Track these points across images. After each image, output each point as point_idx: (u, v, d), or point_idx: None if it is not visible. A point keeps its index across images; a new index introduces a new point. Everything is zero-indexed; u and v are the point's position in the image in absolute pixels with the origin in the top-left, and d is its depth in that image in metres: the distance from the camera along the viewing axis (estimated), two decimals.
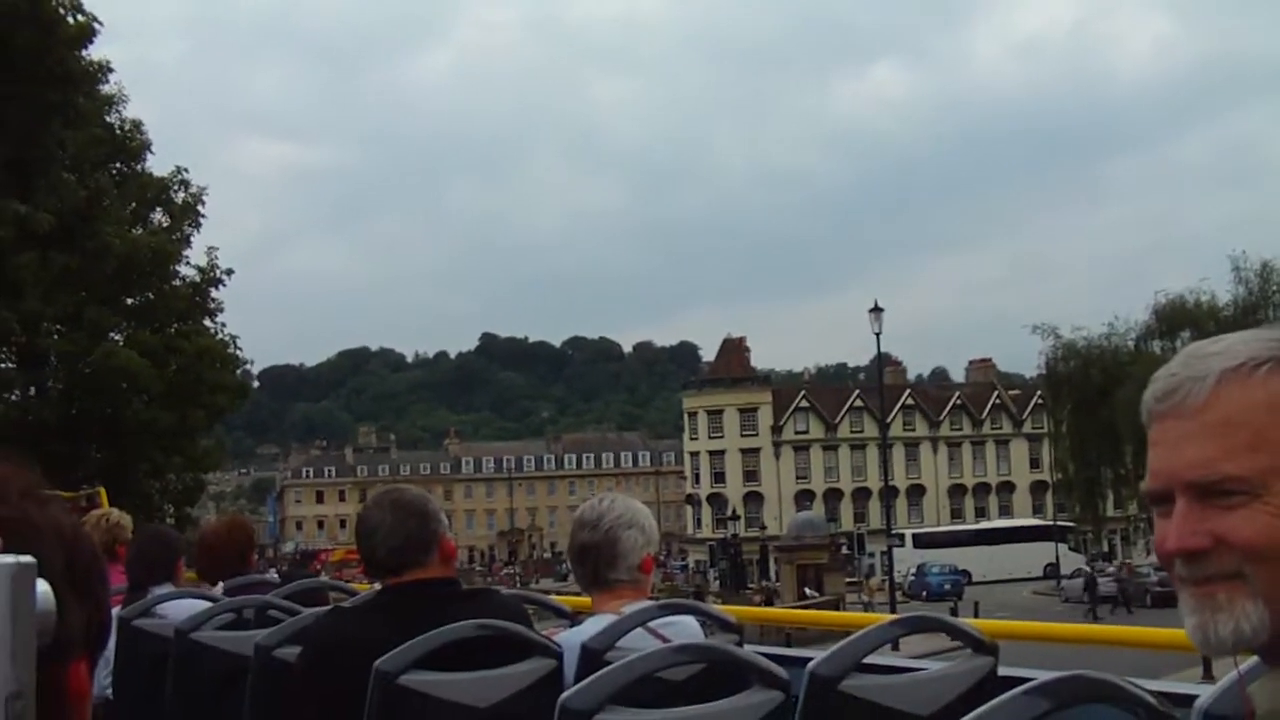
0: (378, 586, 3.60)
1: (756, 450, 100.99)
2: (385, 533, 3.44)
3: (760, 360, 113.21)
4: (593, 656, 3.11)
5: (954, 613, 37.32)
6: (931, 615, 3.46)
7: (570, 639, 3.30)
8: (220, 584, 5.43)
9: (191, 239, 29.93)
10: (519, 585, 64.04)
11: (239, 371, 32.63)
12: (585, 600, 3.83)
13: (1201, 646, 1.33)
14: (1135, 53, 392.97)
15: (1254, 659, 1.35)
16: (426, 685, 2.92)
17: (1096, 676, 1.81)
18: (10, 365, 25.80)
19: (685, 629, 3.56)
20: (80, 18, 22.27)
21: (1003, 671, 2.98)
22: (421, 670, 2.93)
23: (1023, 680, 1.84)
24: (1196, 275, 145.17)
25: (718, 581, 74.79)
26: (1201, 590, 1.30)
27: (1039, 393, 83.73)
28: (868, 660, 2.83)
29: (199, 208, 30.09)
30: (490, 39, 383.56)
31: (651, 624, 3.39)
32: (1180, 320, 60.30)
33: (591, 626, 3.38)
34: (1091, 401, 60.04)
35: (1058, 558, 72.39)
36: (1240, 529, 1.28)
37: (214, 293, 30.12)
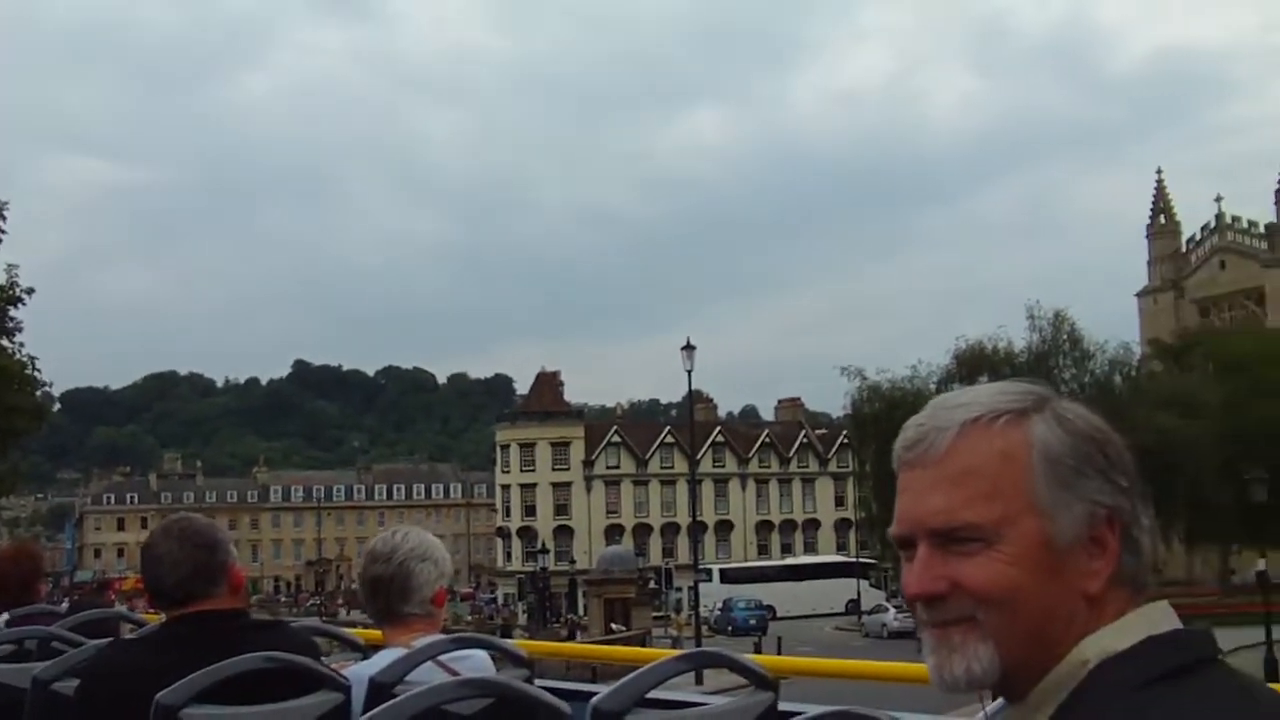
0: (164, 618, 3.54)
1: (568, 484, 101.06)
2: (171, 562, 3.35)
3: (574, 395, 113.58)
4: (381, 690, 3.10)
5: (758, 648, 37.85)
6: (717, 651, 3.55)
7: (359, 672, 3.29)
8: (4, 614, 5.26)
9: None
10: (320, 617, 62.94)
11: (38, 393, 31.64)
12: (378, 633, 3.82)
13: (937, 685, 1.38)
14: (944, 107, 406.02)
15: (1000, 700, 1.41)
16: (210, 719, 2.90)
17: (865, 712, 1.90)
18: None
19: (476, 663, 3.56)
20: None
21: (783, 706, 3.08)
22: (204, 704, 2.89)
23: (797, 714, 1.93)
24: (998, 322, 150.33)
25: (526, 615, 74.47)
26: (939, 632, 1.36)
27: (845, 432, 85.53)
28: (656, 695, 2.89)
29: None
30: (312, 63, 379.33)
31: (442, 657, 3.40)
32: (979, 365, 62.34)
33: (381, 660, 3.37)
34: (894, 442, 61.47)
35: (859, 594, 73.80)
36: (974, 575, 1.32)
37: (13, 311, 29.21)
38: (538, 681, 3.41)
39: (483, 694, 3.04)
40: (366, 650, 4.25)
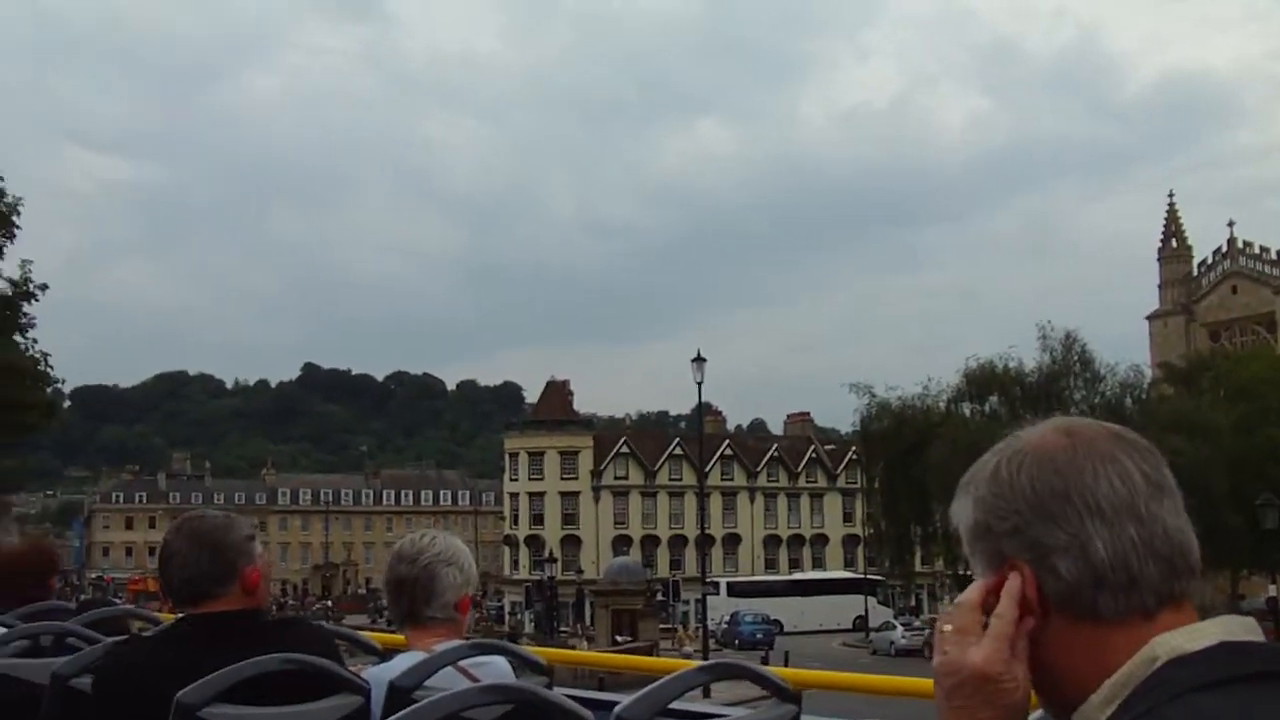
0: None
1: (576, 494, 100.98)
2: (180, 561, 3.34)
3: (583, 404, 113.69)
4: (400, 694, 3.08)
5: (765, 661, 37.73)
6: (739, 663, 3.52)
7: (379, 675, 3.26)
8: (16, 610, 5.24)
9: (3, 250, 29.03)
10: (330, 620, 62.87)
11: (49, 390, 31.68)
12: (397, 638, 3.80)
13: None
14: (952, 127, 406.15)
15: (1039, 711, 1.45)
16: (229, 719, 2.87)
17: None
18: None
19: (495, 669, 3.54)
20: None
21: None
22: (224, 704, 2.87)
23: None
24: (1002, 341, 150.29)
25: (533, 623, 74.43)
26: None
27: (853, 448, 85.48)
28: (675, 706, 2.86)
29: (13, 219, 29.22)
30: (323, 65, 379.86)
31: (462, 663, 3.38)
32: (989, 384, 62.31)
33: (401, 663, 3.35)
34: (903, 459, 61.39)
35: (867, 610, 73.72)
36: None
37: (26, 307, 29.25)
38: (556, 689, 3.38)
39: (505, 700, 3.01)
40: (384, 654, 4.22)
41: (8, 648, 4.02)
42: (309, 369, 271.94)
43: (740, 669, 3.41)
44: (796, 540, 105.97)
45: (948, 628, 1.42)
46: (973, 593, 1.42)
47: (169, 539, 3.43)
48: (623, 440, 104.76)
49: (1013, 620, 1.38)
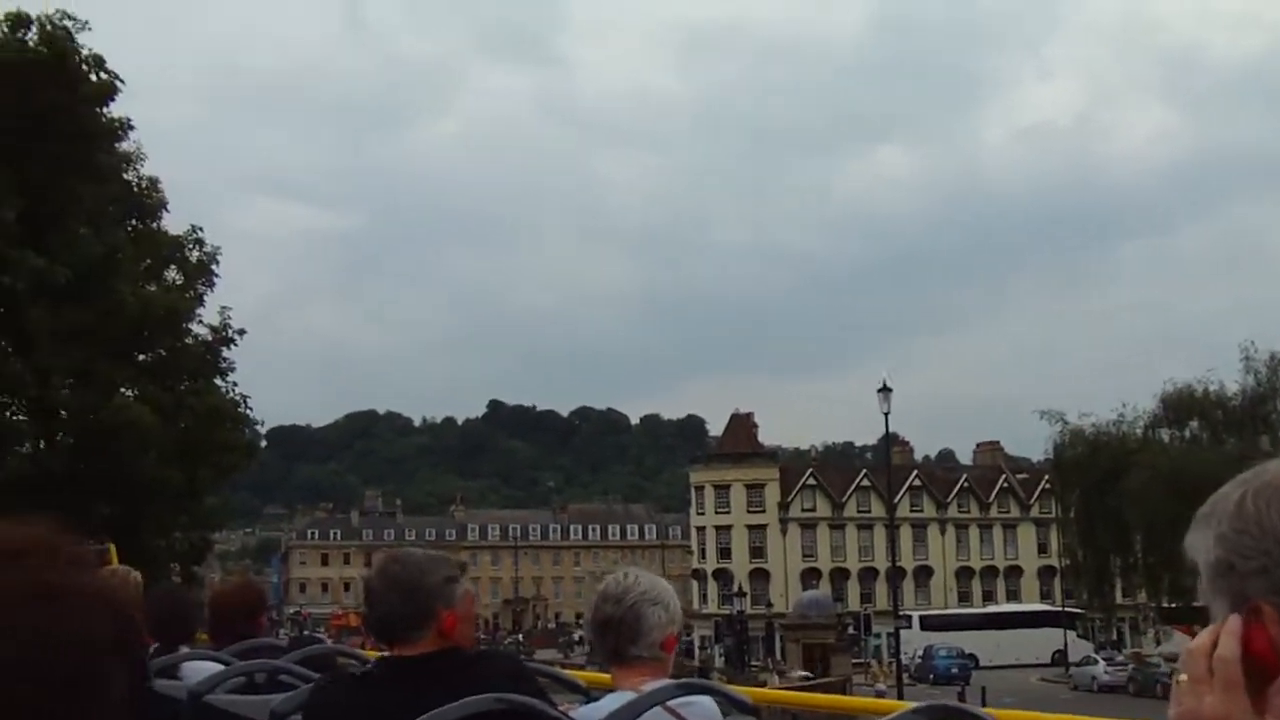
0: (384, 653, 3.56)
1: (763, 527, 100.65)
2: (376, 601, 3.38)
3: (766, 436, 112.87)
4: None
5: (961, 697, 37.00)
6: (955, 704, 3.41)
7: (589, 715, 3.25)
8: (230, 646, 5.38)
9: (204, 298, 30.05)
10: (521, 654, 63.45)
11: (249, 431, 32.65)
12: (601, 677, 3.78)
13: None
14: (1137, 141, 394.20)
15: None
16: None
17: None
18: (21, 417, 25.78)
19: (702, 709, 3.50)
20: (103, 75, 22.39)
21: None
22: None
23: None
24: (1197, 361, 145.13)
25: (723, 658, 74.17)
26: None
27: (1046, 477, 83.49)
28: None
29: (213, 267, 30.27)
30: (497, 109, 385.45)
31: (670, 703, 3.35)
32: (1188, 409, 60.27)
33: (609, 704, 3.33)
34: (1099, 488, 59.68)
35: (1066, 644, 71.81)
36: None
37: (225, 352, 30.23)
38: None
39: None
40: (588, 693, 4.21)
41: (226, 684, 4.11)
42: (494, 406, 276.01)
43: (959, 711, 3.30)
44: (989, 572, 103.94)
45: (1183, 678, 1.31)
46: (1205, 638, 1.31)
47: (369, 579, 3.46)
48: (809, 472, 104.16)
49: (1236, 663, 1.26)
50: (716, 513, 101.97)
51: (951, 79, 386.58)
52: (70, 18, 21.50)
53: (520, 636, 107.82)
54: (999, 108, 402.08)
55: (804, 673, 50.33)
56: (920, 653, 67.92)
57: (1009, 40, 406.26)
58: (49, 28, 21.06)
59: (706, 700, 3.60)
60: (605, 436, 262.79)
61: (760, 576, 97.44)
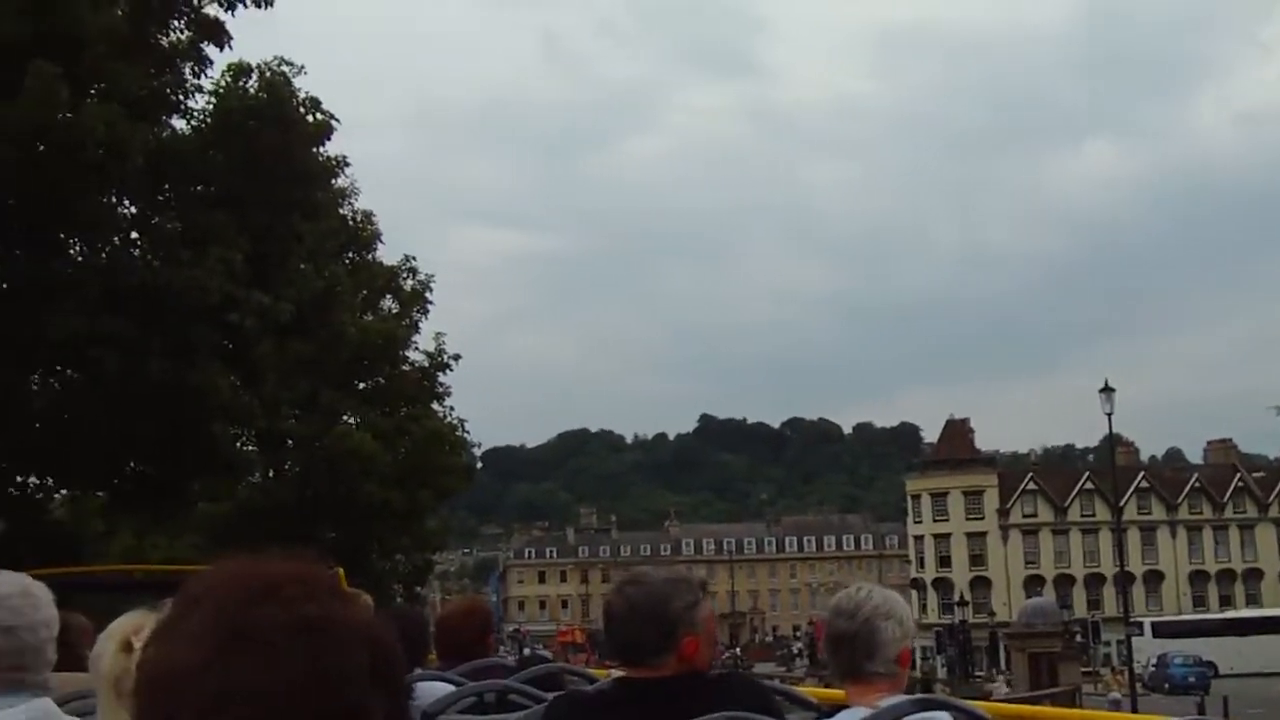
0: (615, 673, 3.53)
1: (983, 534, 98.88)
2: (617, 622, 3.34)
3: (983, 441, 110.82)
4: None
5: (1200, 708, 35.64)
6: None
7: None
8: (459, 666, 5.45)
9: (420, 325, 30.87)
10: (740, 669, 63.43)
11: (466, 454, 33.38)
12: (831, 693, 3.71)
13: None
14: None
15: None
16: None
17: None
18: (252, 448, 26.77)
19: None
20: (319, 116, 23.11)
21: None
22: None
23: None
24: None
25: (945, 668, 73.02)
26: None
27: None
28: None
29: (426, 294, 31.08)
30: (701, 123, 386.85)
31: (907, 719, 3.26)
32: None
33: None
34: None
35: None
36: None
37: (441, 377, 30.98)
38: None
39: None
40: (821, 709, 4.12)
41: (457, 704, 4.16)
42: (705, 420, 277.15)
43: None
44: (1226, 576, 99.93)
45: None
46: None
47: (610, 598, 3.43)
48: (1029, 477, 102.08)
49: None
50: (935, 520, 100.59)
51: (1162, 66, 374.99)
52: (288, 63, 22.23)
53: (738, 650, 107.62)
54: (1209, 93, 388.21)
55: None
56: (1154, 661, 65.72)
57: (1221, 22, 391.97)
58: (268, 75, 21.80)
59: (944, 716, 3.49)
60: (818, 447, 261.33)
61: (981, 584, 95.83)
